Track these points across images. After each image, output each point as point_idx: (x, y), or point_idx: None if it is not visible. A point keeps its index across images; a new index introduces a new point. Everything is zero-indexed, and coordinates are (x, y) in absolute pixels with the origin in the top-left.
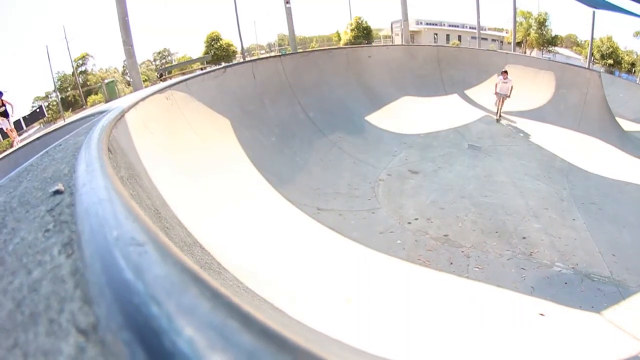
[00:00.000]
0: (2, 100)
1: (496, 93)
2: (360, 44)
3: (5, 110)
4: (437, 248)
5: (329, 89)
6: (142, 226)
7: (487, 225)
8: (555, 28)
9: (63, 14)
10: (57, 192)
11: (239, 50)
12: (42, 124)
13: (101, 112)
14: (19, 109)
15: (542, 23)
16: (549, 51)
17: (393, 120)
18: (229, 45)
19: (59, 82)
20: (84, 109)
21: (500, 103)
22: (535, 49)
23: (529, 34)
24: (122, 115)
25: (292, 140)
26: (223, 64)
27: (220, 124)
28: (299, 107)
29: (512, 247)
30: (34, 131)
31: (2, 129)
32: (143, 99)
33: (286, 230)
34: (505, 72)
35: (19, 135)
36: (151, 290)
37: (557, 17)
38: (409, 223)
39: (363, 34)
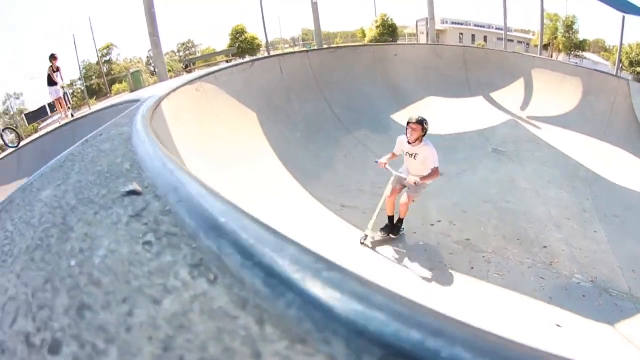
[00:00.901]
0: (57, 66)
1: (385, 166)
2: (386, 41)
3: (59, 77)
4: (459, 252)
5: (355, 86)
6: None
7: (508, 231)
8: (583, 32)
9: (89, 4)
10: (133, 192)
11: (263, 43)
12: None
13: (128, 102)
14: (44, 98)
15: (569, 26)
16: (576, 56)
17: None
18: (254, 38)
19: (84, 71)
20: (109, 97)
21: (394, 199)
22: (563, 53)
23: (555, 37)
24: (158, 104)
25: (317, 136)
26: (247, 57)
27: (247, 117)
28: (324, 103)
29: (532, 255)
30: (58, 118)
31: (58, 98)
32: (174, 90)
33: (312, 226)
34: (420, 124)
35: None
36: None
37: (585, 20)
38: (432, 225)
39: (388, 31)
